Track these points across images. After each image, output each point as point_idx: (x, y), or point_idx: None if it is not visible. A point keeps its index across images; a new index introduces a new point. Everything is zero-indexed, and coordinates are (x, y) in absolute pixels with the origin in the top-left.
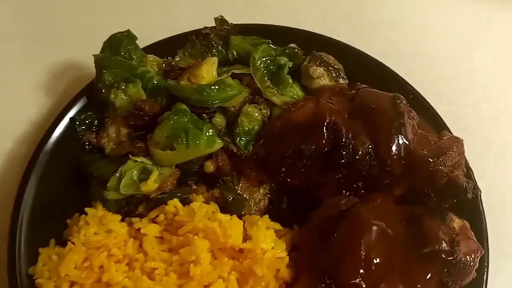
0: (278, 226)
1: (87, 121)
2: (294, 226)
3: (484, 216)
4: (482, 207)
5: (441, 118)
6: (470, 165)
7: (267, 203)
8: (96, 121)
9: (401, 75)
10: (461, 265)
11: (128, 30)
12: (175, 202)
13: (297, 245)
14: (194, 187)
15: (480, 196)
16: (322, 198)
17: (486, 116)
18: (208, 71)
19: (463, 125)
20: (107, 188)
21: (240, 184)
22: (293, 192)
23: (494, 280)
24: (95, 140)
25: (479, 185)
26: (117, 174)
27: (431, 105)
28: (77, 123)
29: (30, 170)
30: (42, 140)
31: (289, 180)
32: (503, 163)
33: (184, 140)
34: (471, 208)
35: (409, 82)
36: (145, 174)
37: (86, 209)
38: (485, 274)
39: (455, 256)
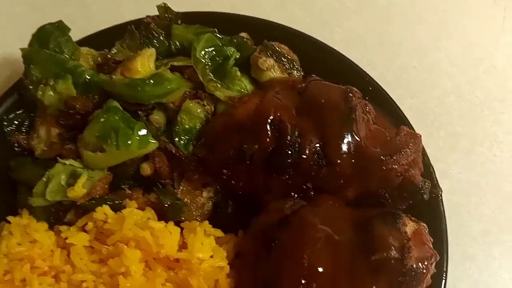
0: (219, 232)
1: (16, 121)
2: (239, 232)
3: (445, 217)
4: (443, 207)
5: (402, 112)
6: (436, 162)
7: (211, 207)
8: (26, 121)
9: (364, 66)
10: (413, 273)
11: (60, 20)
12: (105, 208)
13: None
14: (128, 191)
15: (441, 196)
16: (268, 202)
17: (454, 109)
18: (144, 64)
19: (429, 119)
20: (32, 194)
21: (181, 188)
22: (239, 195)
23: (456, 286)
24: (25, 142)
25: (444, 183)
26: (44, 179)
27: (391, 98)
28: (5, 123)
29: None
30: None
31: (233, 182)
32: (471, 159)
33: (114, 141)
34: (430, 209)
35: (371, 73)
36: (74, 179)
37: (9, 218)
38: (443, 280)
39: (405, 263)
